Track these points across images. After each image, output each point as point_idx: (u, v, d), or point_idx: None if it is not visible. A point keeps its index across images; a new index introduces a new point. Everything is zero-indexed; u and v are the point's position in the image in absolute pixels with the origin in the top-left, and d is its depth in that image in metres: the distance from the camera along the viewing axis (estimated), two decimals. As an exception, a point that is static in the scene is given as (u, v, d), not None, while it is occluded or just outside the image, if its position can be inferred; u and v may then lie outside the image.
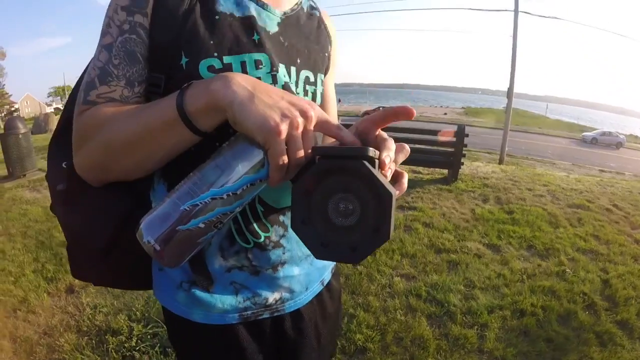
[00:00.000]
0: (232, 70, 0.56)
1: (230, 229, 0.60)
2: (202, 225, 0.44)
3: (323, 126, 0.48)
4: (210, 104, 0.44)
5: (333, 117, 0.76)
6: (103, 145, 0.51)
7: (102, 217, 0.61)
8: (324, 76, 0.72)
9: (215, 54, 0.55)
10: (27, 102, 65.64)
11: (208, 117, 0.46)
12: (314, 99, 0.67)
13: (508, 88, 11.83)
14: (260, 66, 0.58)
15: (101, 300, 2.40)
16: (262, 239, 0.62)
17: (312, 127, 0.46)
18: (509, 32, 11.99)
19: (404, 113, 0.48)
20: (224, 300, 0.63)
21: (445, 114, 50.98)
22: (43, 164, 5.66)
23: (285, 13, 0.64)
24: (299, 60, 0.64)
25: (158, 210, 0.44)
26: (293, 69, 0.63)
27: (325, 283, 0.77)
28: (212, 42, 0.55)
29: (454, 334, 2.19)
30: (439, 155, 5.71)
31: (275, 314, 0.68)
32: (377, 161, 0.44)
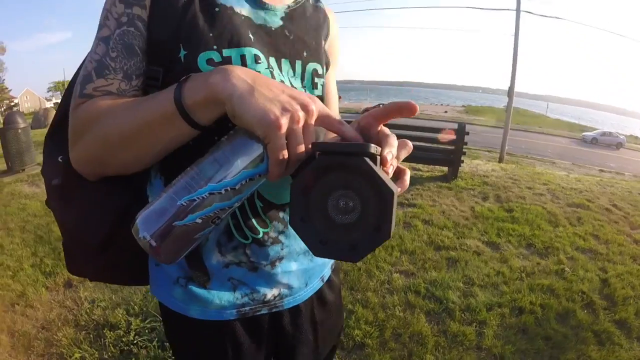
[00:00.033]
0: (231, 64, 0.55)
1: (228, 224, 0.60)
2: (199, 221, 0.43)
3: (324, 121, 0.47)
4: (209, 97, 0.43)
5: (334, 113, 0.75)
6: (99, 139, 0.50)
7: (98, 212, 0.60)
8: (326, 71, 0.70)
9: (215, 47, 0.54)
10: (26, 97, 65.58)
11: (207, 111, 0.45)
12: (323, 91, 0.66)
13: (509, 87, 11.82)
14: (259, 61, 0.57)
15: (99, 294, 2.39)
16: (260, 235, 0.61)
17: (313, 122, 0.45)
18: (511, 31, 11.97)
19: (407, 108, 0.47)
20: (222, 297, 0.62)
21: (446, 112, 50.95)
22: (42, 158, 5.67)
23: (289, 6, 0.63)
24: (305, 53, 0.63)
25: (154, 205, 0.43)
26: (299, 63, 0.62)
27: (325, 279, 0.76)
28: (211, 34, 0.54)
29: (452, 330, 2.19)
30: (439, 152, 5.71)
31: (274, 310, 0.67)
32: (378, 158, 0.43)
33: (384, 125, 0.50)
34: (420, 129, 5.92)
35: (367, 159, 0.39)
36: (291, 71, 0.62)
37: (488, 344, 2.09)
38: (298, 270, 0.67)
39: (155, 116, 0.46)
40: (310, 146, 0.44)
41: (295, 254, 0.66)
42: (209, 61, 0.53)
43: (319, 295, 0.74)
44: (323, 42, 0.69)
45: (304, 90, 0.63)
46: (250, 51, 0.56)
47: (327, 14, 0.72)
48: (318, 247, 0.42)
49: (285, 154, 0.43)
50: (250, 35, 0.58)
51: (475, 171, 6.31)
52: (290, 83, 0.61)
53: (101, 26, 0.54)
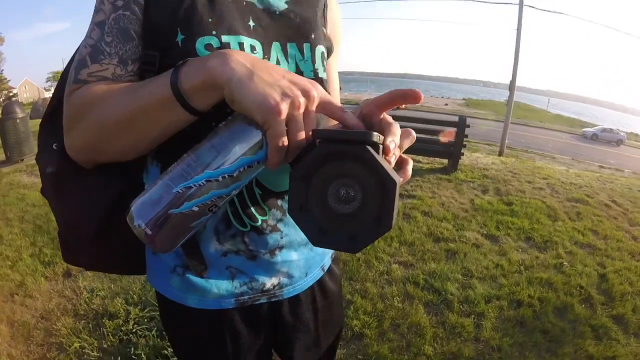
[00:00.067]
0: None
1: (226, 211, 0.59)
2: (195, 209, 0.42)
3: (326, 107, 0.46)
4: (206, 81, 0.42)
5: (336, 100, 0.74)
6: (94, 125, 0.49)
7: (92, 200, 0.59)
8: (328, 56, 0.68)
9: (214, 32, 0.53)
10: (25, 87, 65.19)
11: (204, 96, 0.44)
12: (328, 74, 0.65)
13: (510, 81, 11.75)
14: (255, 52, 0.56)
15: (98, 283, 2.40)
16: (259, 223, 0.60)
17: (314, 108, 0.44)
18: (513, 25, 11.87)
19: (412, 96, 0.45)
20: (220, 285, 0.62)
21: (446, 104, 50.75)
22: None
23: None
24: (313, 36, 0.62)
25: (149, 193, 0.42)
26: (307, 46, 0.61)
27: (325, 269, 0.75)
28: (210, 20, 0.53)
29: (450, 322, 2.20)
30: (439, 144, 5.69)
31: (273, 299, 0.66)
32: (381, 146, 0.42)
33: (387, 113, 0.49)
34: (421, 121, 5.89)
35: (369, 148, 0.38)
36: (299, 55, 0.60)
37: (486, 336, 2.10)
38: (299, 260, 0.67)
39: (151, 101, 0.45)
40: (310, 133, 0.43)
41: (296, 244, 0.66)
42: (208, 46, 0.52)
43: (320, 284, 0.74)
44: (325, 27, 0.67)
45: (316, 73, 0.62)
46: (248, 41, 0.55)
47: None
48: (317, 237, 0.42)
49: (285, 140, 0.41)
50: (252, 22, 0.56)
51: (475, 164, 6.30)
52: (298, 67, 0.60)
53: (97, 10, 0.53)
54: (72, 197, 0.59)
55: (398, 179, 0.39)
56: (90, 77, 0.51)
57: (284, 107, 0.40)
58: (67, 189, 0.59)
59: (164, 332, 1.90)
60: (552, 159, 13.97)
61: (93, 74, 0.51)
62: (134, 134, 0.49)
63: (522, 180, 5.55)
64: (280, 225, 0.63)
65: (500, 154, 10.59)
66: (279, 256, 0.64)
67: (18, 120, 5.79)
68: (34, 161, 0.64)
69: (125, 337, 1.94)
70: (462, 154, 5.74)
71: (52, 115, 0.61)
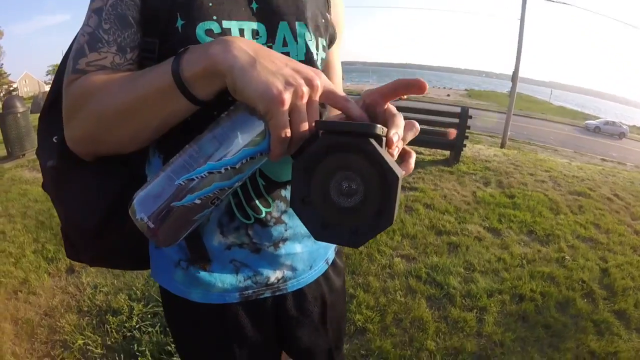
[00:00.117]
0: (230, 36, 0.52)
1: (229, 203, 0.58)
2: (198, 202, 0.42)
3: (329, 97, 0.45)
4: (208, 68, 0.41)
5: (339, 89, 0.72)
6: (95, 116, 0.48)
7: (94, 193, 0.58)
8: (328, 45, 0.67)
9: (215, 17, 0.51)
10: (25, 81, 65.05)
11: (206, 84, 0.42)
12: (331, 63, 0.63)
13: (513, 72, 11.64)
14: (257, 36, 0.54)
15: (101, 279, 2.40)
16: (263, 215, 0.60)
17: (317, 98, 0.43)
18: (516, 15, 11.74)
19: (417, 86, 0.44)
20: (224, 279, 0.61)
21: (449, 95, 50.51)
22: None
23: None
24: (310, 22, 0.60)
25: (151, 185, 0.42)
26: (311, 28, 0.59)
27: (330, 262, 0.75)
28: (210, 4, 0.51)
29: (453, 316, 2.20)
30: (441, 136, 5.67)
31: (277, 294, 0.66)
32: (384, 139, 0.41)
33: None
34: (423, 112, 5.86)
35: (372, 140, 0.38)
36: (308, 34, 0.59)
37: (488, 330, 2.10)
38: (303, 253, 0.66)
39: (151, 90, 0.44)
40: (313, 124, 0.42)
41: (300, 236, 0.65)
42: (208, 32, 0.51)
43: (324, 278, 0.73)
44: (318, 12, 0.64)
45: (320, 56, 0.60)
46: (250, 25, 0.54)
47: None
48: (318, 231, 0.41)
49: (287, 132, 0.40)
50: (254, 4, 0.55)
51: (477, 156, 6.28)
52: (308, 48, 0.58)
53: None
54: (73, 191, 0.59)
55: (400, 173, 0.39)
56: (89, 67, 0.50)
57: (287, 97, 0.39)
58: (68, 183, 0.58)
59: (167, 329, 1.92)
60: (555, 151, 13.92)
61: (92, 63, 0.50)
62: (135, 123, 0.48)
63: (525, 172, 5.52)
64: (284, 217, 0.62)
65: (503, 145, 10.54)
66: (283, 249, 0.63)
67: (19, 115, 5.77)
68: (35, 156, 0.63)
69: (128, 334, 1.95)
70: (465, 146, 5.72)
71: (51, 108, 0.60)
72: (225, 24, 0.52)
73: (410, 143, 0.49)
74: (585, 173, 6.12)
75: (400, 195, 0.40)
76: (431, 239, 3.16)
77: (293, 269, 0.66)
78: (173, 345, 1.81)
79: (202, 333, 0.67)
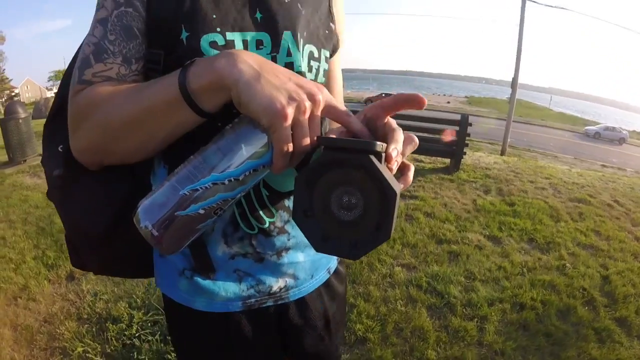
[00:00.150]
0: (234, 48, 0.53)
1: (234, 214, 0.59)
2: (202, 211, 0.43)
3: (330, 111, 0.46)
4: (214, 82, 0.42)
5: (339, 101, 0.73)
6: (100, 127, 0.49)
7: (100, 202, 0.59)
8: (330, 55, 0.67)
9: (218, 30, 0.52)
10: (27, 87, 65.29)
11: (212, 96, 0.43)
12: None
13: (513, 78, 11.68)
14: (261, 46, 0.55)
15: (101, 287, 2.40)
16: (266, 225, 0.61)
17: (319, 113, 0.44)
18: (515, 21, 11.81)
19: (416, 101, 0.46)
20: (228, 288, 0.62)
21: (449, 102, 50.70)
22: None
23: None
24: (305, 33, 0.61)
25: (156, 195, 0.43)
26: (301, 41, 0.60)
27: (332, 271, 0.75)
28: (214, 16, 0.52)
29: (453, 326, 2.20)
30: (441, 144, 5.68)
31: (279, 302, 0.66)
32: (383, 155, 0.42)
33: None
34: (423, 120, 5.87)
35: (372, 157, 0.39)
36: (300, 45, 0.59)
37: (489, 339, 2.10)
38: (305, 262, 0.67)
39: (158, 102, 0.45)
40: (315, 139, 0.43)
41: (302, 245, 0.66)
42: (212, 44, 0.52)
43: (326, 286, 0.74)
44: (320, 24, 0.65)
45: (323, 67, 0.61)
46: (253, 36, 0.55)
47: None
48: (319, 243, 0.42)
49: (290, 146, 0.41)
50: (259, 14, 0.55)
51: (477, 163, 6.29)
52: (311, 54, 0.60)
53: (99, 7, 0.52)
54: (79, 200, 0.59)
55: (399, 188, 0.40)
56: (95, 78, 0.51)
57: (290, 112, 0.40)
58: (75, 191, 0.58)
59: (167, 337, 1.91)
60: (555, 157, 13.93)
61: (97, 74, 0.51)
62: (141, 135, 0.48)
63: (525, 180, 5.53)
64: (287, 227, 0.63)
65: (503, 153, 10.56)
66: (286, 257, 0.64)
67: (20, 121, 5.79)
68: (37, 162, 0.64)
69: (128, 342, 1.94)
70: (465, 154, 5.73)
71: (56, 116, 0.61)
72: (229, 35, 0.53)
73: None
74: (585, 179, 6.13)
75: (398, 210, 0.41)
76: (432, 248, 3.16)
77: (295, 277, 0.66)
78: (173, 354, 1.80)
79: (204, 341, 0.67)
